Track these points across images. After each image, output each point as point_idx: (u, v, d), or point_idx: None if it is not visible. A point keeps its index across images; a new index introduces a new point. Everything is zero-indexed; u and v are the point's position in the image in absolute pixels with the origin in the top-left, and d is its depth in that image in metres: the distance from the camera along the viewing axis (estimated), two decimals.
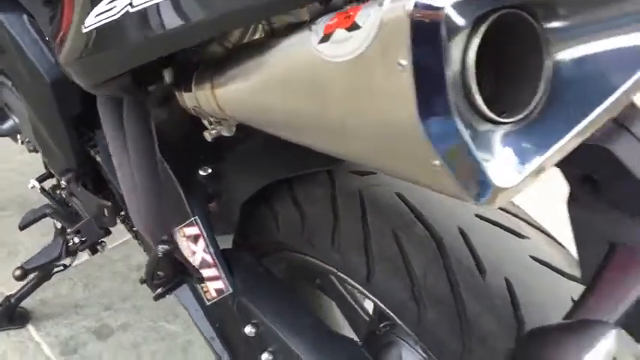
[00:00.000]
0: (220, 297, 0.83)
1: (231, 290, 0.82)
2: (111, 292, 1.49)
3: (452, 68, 0.37)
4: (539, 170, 0.39)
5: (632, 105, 0.54)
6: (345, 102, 0.42)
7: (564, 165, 0.47)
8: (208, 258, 0.83)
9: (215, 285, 0.84)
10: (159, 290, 0.85)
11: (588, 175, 0.51)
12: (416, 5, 0.35)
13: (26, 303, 1.42)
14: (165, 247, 0.78)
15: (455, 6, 0.35)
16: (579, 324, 0.50)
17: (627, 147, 0.52)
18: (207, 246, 0.82)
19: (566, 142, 0.40)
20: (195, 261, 0.84)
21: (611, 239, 0.52)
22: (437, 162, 0.38)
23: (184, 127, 0.78)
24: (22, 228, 1.18)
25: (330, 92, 0.42)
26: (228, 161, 0.83)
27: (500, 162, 0.39)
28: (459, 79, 0.37)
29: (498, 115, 0.39)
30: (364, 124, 0.42)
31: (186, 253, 0.84)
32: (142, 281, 0.86)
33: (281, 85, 0.48)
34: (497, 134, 0.40)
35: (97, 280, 1.52)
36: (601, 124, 0.42)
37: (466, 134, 0.37)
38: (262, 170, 0.81)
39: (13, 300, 1.37)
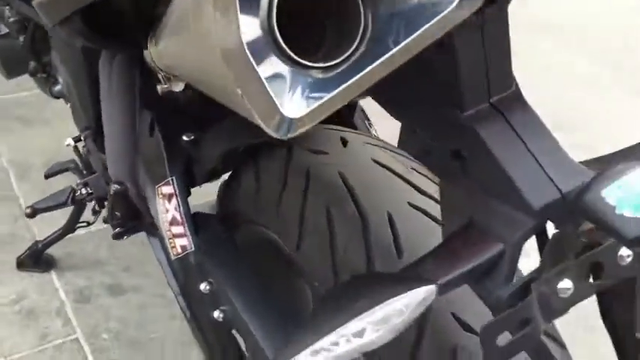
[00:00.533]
0: (184, 253, 0.91)
1: (193, 248, 0.91)
2: (131, 256, 1.60)
3: (260, 13, 0.46)
4: (329, 105, 0.48)
5: (515, 92, 0.60)
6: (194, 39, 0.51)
7: (439, 138, 0.54)
8: (178, 216, 0.92)
9: (181, 242, 0.92)
10: (117, 230, 0.95)
11: (457, 150, 0.57)
12: None
13: (54, 252, 1.55)
14: (118, 187, 0.89)
15: None
16: (395, 275, 0.57)
17: (497, 131, 0.58)
18: (179, 205, 0.91)
19: (356, 81, 0.48)
20: (167, 218, 0.93)
21: (470, 214, 0.58)
22: (239, 92, 0.46)
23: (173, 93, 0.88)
24: (46, 177, 1.31)
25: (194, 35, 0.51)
26: (207, 128, 0.92)
27: (293, 96, 0.47)
28: (266, 23, 0.46)
29: (316, 60, 0.48)
30: (202, 54, 0.50)
31: (161, 209, 0.93)
32: (104, 220, 0.96)
33: (182, 37, 0.56)
34: (300, 74, 0.48)
35: (121, 243, 1.63)
36: (401, 61, 0.49)
37: (259, 71, 0.46)
38: (230, 137, 0.89)
39: (40, 245, 1.50)
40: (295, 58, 0.48)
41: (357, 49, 0.50)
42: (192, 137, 0.92)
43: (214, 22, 0.46)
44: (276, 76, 0.48)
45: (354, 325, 0.53)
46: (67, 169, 1.30)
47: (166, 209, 0.93)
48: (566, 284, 0.56)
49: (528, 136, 0.59)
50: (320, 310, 0.58)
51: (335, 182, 0.78)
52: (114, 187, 0.90)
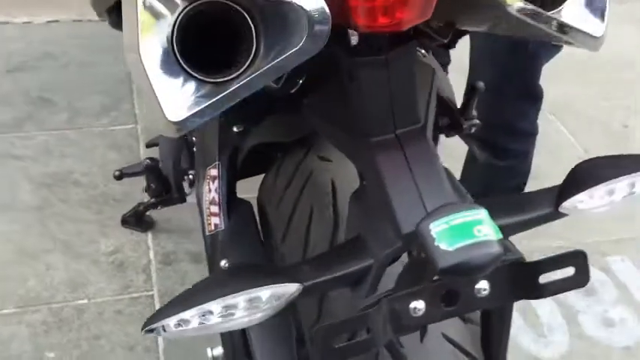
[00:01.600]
0: (215, 231, 1.00)
1: (222, 228, 0.99)
2: None
3: (166, 30, 0.55)
4: (207, 111, 0.57)
5: (420, 127, 0.67)
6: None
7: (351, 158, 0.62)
8: (216, 197, 1.00)
9: (215, 220, 1.00)
10: (152, 200, 1.06)
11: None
12: None
13: (156, 215, 1.72)
14: (149, 162, 0.99)
15: None
16: (272, 269, 0.70)
17: (392, 160, 0.69)
18: (219, 187, 1.00)
19: (231, 92, 0.58)
20: (208, 197, 1.01)
21: (357, 230, 0.68)
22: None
23: None
24: (148, 146, 1.47)
25: None
26: (254, 122, 1.00)
27: (178, 102, 0.56)
28: (169, 39, 0.56)
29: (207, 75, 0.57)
30: None
31: (205, 189, 1.02)
32: (144, 189, 1.07)
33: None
34: (193, 84, 0.57)
35: None
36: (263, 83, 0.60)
37: (150, 77, 0.55)
38: (269, 133, 0.96)
39: (142, 207, 1.67)
40: (190, 72, 0.56)
41: (244, 71, 0.58)
42: (241, 129, 1.00)
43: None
44: (171, 85, 0.57)
45: (224, 302, 0.61)
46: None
47: (209, 189, 1.02)
48: (418, 305, 0.61)
49: (418, 168, 0.66)
50: (199, 284, 0.65)
51: (325, 188, 0.83)
52: (146, 162, 1.02)
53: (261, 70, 0.58)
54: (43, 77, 2.15)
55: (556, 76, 2.33)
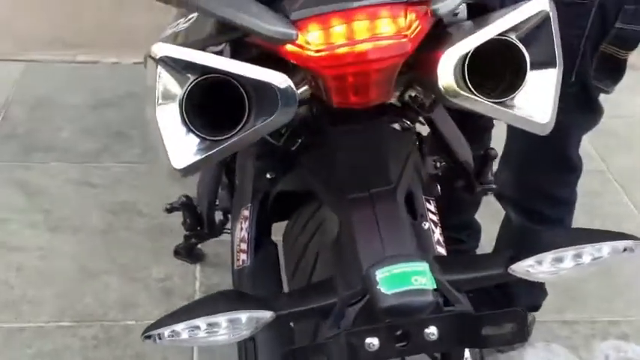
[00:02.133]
0: (242, 266, 1.11)
1: (248, 264, 1.10)
2: None
3: (177, 97, 0.69)
4: (204, 161, 0.72)
5: (392, 189, 0.85)
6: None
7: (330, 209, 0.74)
8: (246, 236, 1.12)
9: (243, 256, 1.12)
10: (185, 233, 1.19)
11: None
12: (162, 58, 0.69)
13: (207, 249, 1.86)
14: (184, 199, 1.12)
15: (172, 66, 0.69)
16: (255, 297, 0.82)
17: (363, 215, 0.80)
18: (249, 227, 1.11)
19: (226, 147, 0.72)
20: (239, 234, 1.13)
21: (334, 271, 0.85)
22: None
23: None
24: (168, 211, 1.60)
25: None
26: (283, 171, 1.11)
27: (183, 153, 0.70)
28: (180, 103, 0.70)
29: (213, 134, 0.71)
30: None
31: (237, 227, 1.14)
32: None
33: None
34: (196, 140, 0.71)
35: None
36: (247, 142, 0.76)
37: (162, 132, 0.70)
38: (293, 182, 1.08)
39: (192, 240, 1.81)
40: (194, 130, 0.70)
41: (237, 132, 0.72)
42: (273, 176, 1.12)
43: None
44: (178, 139, 0.71)
45: (209, 320, 0.74)
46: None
47: (241, 228, 1.14)
48: (372, 341, 0.72)
49: (384, 223, 0.78)
50: (195, 302, 0.78)
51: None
52: (182, 199, 1.16)
53: (247, 132, 0.71)
54: (124, 114, 2.36)
55: (628, 146, 2.35)
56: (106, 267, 1.84)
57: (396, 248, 0.76)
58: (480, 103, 0.75)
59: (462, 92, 0.74)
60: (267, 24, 0.73)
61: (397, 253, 0.75)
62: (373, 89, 0.76)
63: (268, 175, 1.10)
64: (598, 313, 1.81)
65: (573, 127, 1.42)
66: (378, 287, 0.71)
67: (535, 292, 1.60)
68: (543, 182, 1.50)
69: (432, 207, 1.18)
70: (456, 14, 0.82)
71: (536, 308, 1.64)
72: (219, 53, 0.79)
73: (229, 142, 0.72)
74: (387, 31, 0.74)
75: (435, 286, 0.72)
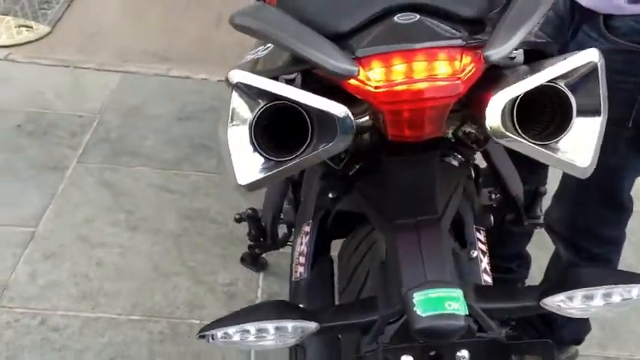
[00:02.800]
0: (299, 278, 1.18)
1: (304, 277, 1.17)
2: None
3: (248, 121, 0.77)
4: (267, 180, 0.78)
5: (436, 218, 0.90)
6: None
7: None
8: (305, 250, 1.19)
9: (300, 269, 1.20)
10: (250, 243, 1.28)
11: None
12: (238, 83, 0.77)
13: (271, 259, 1.95)
14: (250, 211, 1.21)
15: (245, 91, 0.76)
16: (302, 309, 0.89)
17: (407, 240, 0.84)
18: (309, 242, 1.19)
19: (287, 168, 0.79)
20: (299, 248, 1.21)
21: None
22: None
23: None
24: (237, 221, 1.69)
25: None
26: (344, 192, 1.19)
27: (247, 169, 0.77)
28: (249, 129, 0.77)
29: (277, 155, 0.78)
30: None
31: (298, 241, 1.22)
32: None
33: None
34: (261, 160, 0.78)
35: None
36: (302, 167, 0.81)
37: (232, 150, 0.77)
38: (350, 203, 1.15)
39: (257, 250, 1.91)
40: (260, 151, 0.78)
41: (299, 155, 0.79)
42: (335, 196, 1.20)
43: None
44: (245, 158, 0.79)
45: (259, 325, 0.81)
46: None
47: (301, 242, 1.22)
48: (407, 358, 0.77)
49: (427, 250, 0.84)
50: (249, 308, 0.85)
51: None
52: (248, 211, 1.25)
53: (307, 156, 0.79)
54: (206, 127, 2.50)
55: None
56: (177, 268, 1.96)
57: (436, 273, 0.81)
58: (525, 145, 0.79)
59: (508, 134, 0.78)
60: (332, 59, 0.79)
61: (436, 279, 0.80)
62: (426, 125, 0.82)
63: (330, 195, 1.16)
64: (637, 350, 1.80)
65: (627, 169, 1.44)
66: (414, 309, 0.77)
67: (578, 325, 1.61)
68: (593, 221, 1.52)
69: (481, 236, 1.22)
70: (513, 58, 0.85)
71: (579, 342, 1.64)
72: (291, 82, 0.86)
73: (291, 163, 0.79)
74: (443, 73, 0.79)
75: (467, 312, 0.77)
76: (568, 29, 1.35)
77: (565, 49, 1.20)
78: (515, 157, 1.59)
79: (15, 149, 2.36)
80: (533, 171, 1.55)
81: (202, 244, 2.05)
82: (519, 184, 1.27)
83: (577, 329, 1.63)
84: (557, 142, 0.79)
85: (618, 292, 0.80)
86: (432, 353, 0.79)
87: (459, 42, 0.81)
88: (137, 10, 3.15)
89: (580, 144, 0.79)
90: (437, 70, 0.79)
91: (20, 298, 1.85)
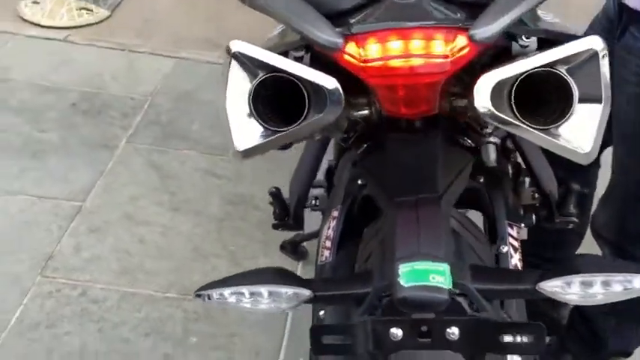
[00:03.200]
0: (324, 262, 1.19)
1: (329, 260, 1.17)
2: None
3: (246, 90, 0.78)
4: (262, 148, 0.79)
5: (436, 196, 0.88)
6: None
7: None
8: (332, 234, 1.19)
9: (326, 253, 1.19)
10: (274, 222, 1.29)
11: None
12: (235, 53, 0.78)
13: (310, 248, 1.94)
14: (274, 190, 1.21)
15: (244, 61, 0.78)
16: (297, 277, 0.91)
17: (405, 214, 0.85)
18: (336, 226, 1.18)
19: (283, 135, 0.79)
20: (326, 232, 1.20)
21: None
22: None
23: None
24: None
25: None
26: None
27: (245, 136, 0.78)
28: (248, 98, 0.78)
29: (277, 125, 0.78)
30: None
31: (326, 225, 1.21)
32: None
33: None
34: (259, 128, 0.80)
35: None
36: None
37: (230, 118, 0.79)
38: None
39: (298, 238, 1.91)
40: (259, 120, 0.80)
41: (294, 126, 0.80)
42: (365, 183, 1.19)
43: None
44: (243, 126, 0.81)
45: (252, 289, 0.82)
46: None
47: (329, 227, 1.22)
48: (397, 332, 0.77)
49: (424, 227, 0.84)
50: (247, 272, 0.86)
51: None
52: (272, 190, 1.26)
53: (300, 126, 0.80)
54: None
55: None
56: (217, 251, 1.98)
57: (429, 249, 0.81)
58: (523, 129, 0.78)
59: (501, 115, 0.78)
60: (320, 32, 0.81)
61: (425, 253, 0.80)
62: (416, 102, 0.84)
63: (360, 182, 1.16)
64: None
65: None
66: (398, 279, 0.77)
67: (627, 338, 1.56)
68: None
69: (514, 232, 1.20)
70: (526, 46, 0.85)
71: (628, 354, 1.58)
72: (299, 60, 0.88)
73: (285, 132, 0.81)
74: (430, 51, 0.80)
75: (451, 287, 0.77)
76: (616, 31, 1.32)
77: (612, 51, 1.17)
78: (553, 158, 1.56)
79: (69, 126, 2.41)
80: (579, 173, 1.52)
81: (244, 229, 2.06)
82: (553, 181, 1.25)
83: (626, 341, 1.58)
84: (557, 127, 0.79)
85: (618, 281, 0.78)
86: (424, 329, 0.78)
87: (452, 23, 0.82)
88: (191, 0, 3.20)
89: (581, 130, 0.79)
90: (425, 48, 0.81)
91: (63, 269, 1.89)
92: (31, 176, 2.18)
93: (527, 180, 1.30)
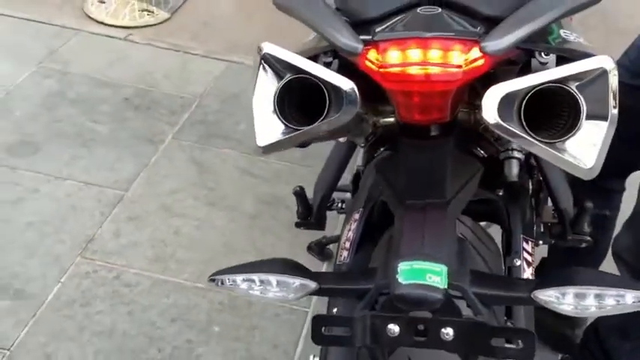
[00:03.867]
0: (342, 262, 1.23)
1: (347, 261, 1.22)
2: None
3: (272, 90, 0.82)
4: (282, 145, 0.83)
5: (443, 202, 0.93)
6: None
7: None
8: (352, 236, 1.23)
9: (345, 253, 1.24)
10: (296, 220, 1.33)
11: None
12: (265, 54, 0.82)
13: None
14: (298, 189, 1.26)
15: (272, 63, 0.81)
16: (304, 268, 0.94)
17: (412, 217, 0.87)
18: (356, 229, 1.23)
19: (300, 133, 0.82)
20: (347, 234, 1.25)
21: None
22: None
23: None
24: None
25: None
26: None
27: (267, 133, 0.82)
28: (273, 98, 0.82)
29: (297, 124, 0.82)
30: None
31: (347, 227, 1.26)
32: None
33: None
34: (281, 126, 0.83)
35: None
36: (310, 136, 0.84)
37: (255, 114, 0.83)
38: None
39: (324, 240, 1.97)
40: (281, 118, 0.84)
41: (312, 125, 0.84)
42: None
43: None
44: (266, 123, 0.85)
45: (262, 277, 0.86)
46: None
47: (349, 229, 1.27)
48: (394, 328, 0.79)
49: (429, 230, 0.87)
50: (260, 261, 0.91)
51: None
52: (296, 189, 1.31)
53: (316, 125, 0.84)
54: None
55: None
56: (247, 247, 2.05)
57: (432, 251, 0.84)
58: (529, 142, 0.80)
59: (506, 126, 0.79)
60: (340, 35, 0.85)
61: (426, 253, 0.83)
62: (428, 109, 0.87)
63: (380, 187, 1.21)
64: None
65: None
66: (397, 276, 0.81)
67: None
68: None
69: (528, 247, 1.23)
70: (545, 63, 0.87)
71: None
72: (328, 65, 0.92)
73: (303, 131, 0.84)
74: (444, 61, 0.83)
75: (446, 287, 0.80)
76: None
77: None
78: (575, 179, 1.57)
79: (120, 120, 2.54)
80: (604, 196, 1.53)
81: (274, 228, 2.13)
82: (570, 200, 1.26)
83: None
84: (563, 142, 0.80)
85: (611, 295, 0.79)
86: (420, 327, 0.81)
87: (468, 35, 0.84)
88: (249, 8, 3.30)
89: (586, 146, 0.80)
90: (439, 57, 0.83)
91: (101, 252, 2.00)
92: (80, 164, 2.31)
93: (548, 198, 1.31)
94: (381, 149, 1.05)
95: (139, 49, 2.99)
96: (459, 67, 0.83)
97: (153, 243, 2.04)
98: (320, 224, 1.42)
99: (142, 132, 2.49)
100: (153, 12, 3.25)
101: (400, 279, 0.80)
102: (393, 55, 0.84)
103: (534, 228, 1.30)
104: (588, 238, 1.24)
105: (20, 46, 2.90)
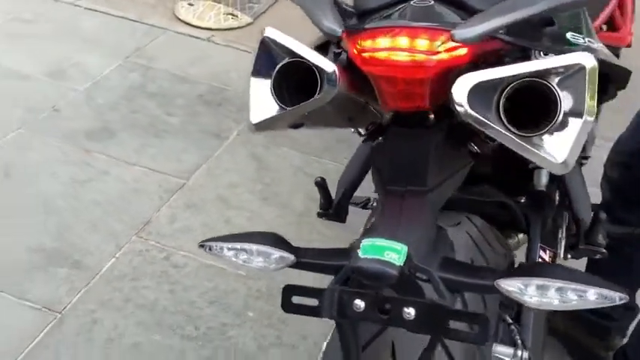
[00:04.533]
0: None
1: None
2: None
3: (270, 73, 0.88)
4: (273, 123, 0.88)
5: (423, 189, 0.95)
6: None
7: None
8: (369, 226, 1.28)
9: None
10: (319, 211, 1.39)
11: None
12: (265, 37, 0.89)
13: None
14: (319, 180, 1.32)
15: (271, 46, 0.87)
16: (286, 242, 0.96)
17: (391, 203, 0.95)
18: (370, 215, 1.28)
19: (292, 111, 0.87)
20: (368, 225, 1.30)
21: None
22: None
23: None
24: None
25: None
26: None
27: (261, 112, 0.88)
28: (271, 80, 0.88)
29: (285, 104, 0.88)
30: None
31: (370, 219, 1.31)
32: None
33: None
34: (275, 106, 0.89)
35: None
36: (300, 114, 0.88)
37: (251, 95, 0.89)
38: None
39: (324, 218, 2.00)
40: (277, 100, 0.90)
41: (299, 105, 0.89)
42: None
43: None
44: (261, 102, 0.91)
45: (245, 246, 0.92)
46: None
47: (371, 220, 1.32)
48: (360, 303, 0.83)
49: (406, 214, 0.91)
50: (248, 232, 0.96)
51: None
52: (317, 179, 1.36)
53: (301, 105, 0.88)
54: None
55: None
56: (292, 241, 2.13)
57: (399, 232, 0.86)
58: (501, 134, 0.81)
59: (476, 115, 0.81)
60: (323, 18, 0.90)
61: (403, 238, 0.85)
62: (406, 96, 0.90)
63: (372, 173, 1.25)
64: None
65: None
66: (358, 251, 0.84)
67: None
68: None
69: (545, 256, 1.23)
70: None
71: None
72: (337, 55, 0.97)
73: (289, 110, 0.89)
74: (420, 49, 0.85)
75: (402, 265, 0.82)
76: None
77: None
78: (616, 195, 1.54)
79: (191, 114, 2.69)
80: (629, 210, 1.51)
81: (319, 226, 2.19)
82: (588, 210, 1.25)
83: None
84: (539, 137, 0.80)
85: (573, 290, 0.79)
86: (387, 306, 0.83)
87: (446, 26, 0.86)
88: None
89: (560, 142, 0.80)
90: (417, 46, 0.85)
91: (156, 233, 2.14)
92: (149, 151, 2.47)
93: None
94: (379, 138, 1.08)
95: (219, 50, 3.15)
96: (434, 54, 0.85)
97: (204, 230, 2.16)
98: (339, 217, 1.46)
99: (210, 127, 2.63)
100: (237, 16, 3.41)
101: (360, 253, 0.83)
102: (370, 42, 0.88)
103: (557, 239, 1.30)
104: (603, 250, 1.22)
105: (112, 41, 3.12)
